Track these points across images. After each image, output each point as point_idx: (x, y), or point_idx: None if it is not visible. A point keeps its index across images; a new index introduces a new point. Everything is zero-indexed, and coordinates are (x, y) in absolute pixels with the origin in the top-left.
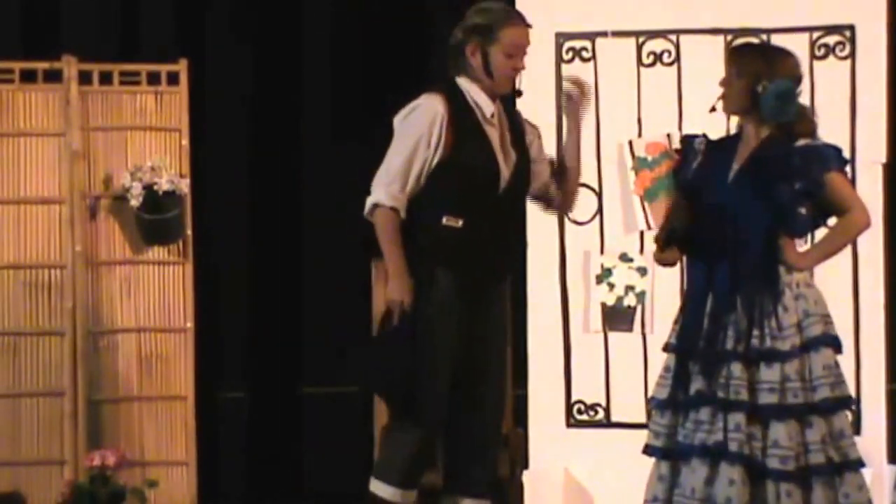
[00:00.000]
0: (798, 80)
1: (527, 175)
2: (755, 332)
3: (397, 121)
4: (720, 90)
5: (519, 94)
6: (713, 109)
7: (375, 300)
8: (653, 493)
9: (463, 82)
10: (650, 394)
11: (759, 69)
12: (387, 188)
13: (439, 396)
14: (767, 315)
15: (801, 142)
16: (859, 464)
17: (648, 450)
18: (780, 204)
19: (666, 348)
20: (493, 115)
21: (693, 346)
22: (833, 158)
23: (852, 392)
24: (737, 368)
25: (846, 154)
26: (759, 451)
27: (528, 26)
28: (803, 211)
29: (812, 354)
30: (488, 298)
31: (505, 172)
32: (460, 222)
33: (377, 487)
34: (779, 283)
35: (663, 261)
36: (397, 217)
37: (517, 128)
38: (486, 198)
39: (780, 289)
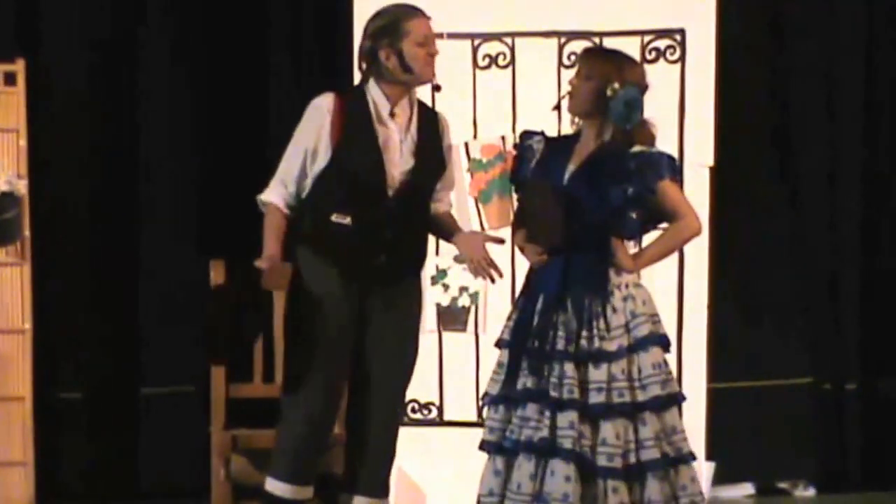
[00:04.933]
0: (645, 89)
1: (425, 182)
2: (584, 333)
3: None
4: (557, 92)
5: (437, 88)
6: (557, 108)
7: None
8: (488, 488)
9: (369, 85)
10: (484, 390)
11: (609, 73)
12: (273, 186)
13: (321, 389)
14: (596, 316)
15: (637, 148)
16: (691, 457)
17: (484, 445)
18: (612, 207)
19: (498, 344)
20: (392, 115)
21: (525, 342)
22: (666, 166)
23: None
24: (569, 368)
25: (675, 157)
26: (588, 448)
27: (429, 18)
28: (634, 215)
29: (641, 354)
30: (384, 300)
31: (393, 174)
32: (348, 220)
33: (269, 485)
34: (608, 284)
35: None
36: (279, 212)
37: (432, 133)
38: (374, 198)
39: (609, 290)
